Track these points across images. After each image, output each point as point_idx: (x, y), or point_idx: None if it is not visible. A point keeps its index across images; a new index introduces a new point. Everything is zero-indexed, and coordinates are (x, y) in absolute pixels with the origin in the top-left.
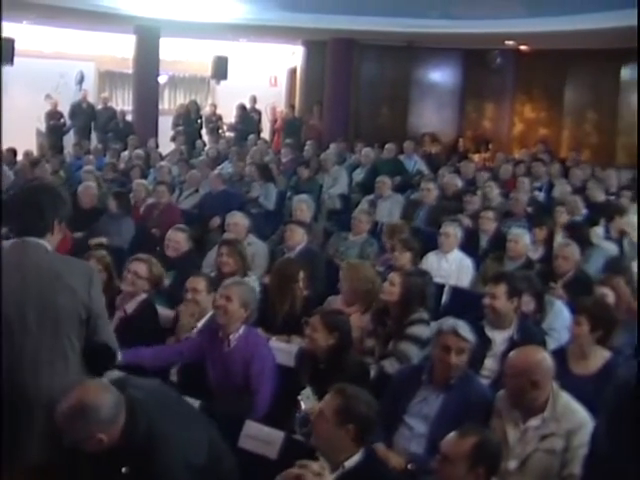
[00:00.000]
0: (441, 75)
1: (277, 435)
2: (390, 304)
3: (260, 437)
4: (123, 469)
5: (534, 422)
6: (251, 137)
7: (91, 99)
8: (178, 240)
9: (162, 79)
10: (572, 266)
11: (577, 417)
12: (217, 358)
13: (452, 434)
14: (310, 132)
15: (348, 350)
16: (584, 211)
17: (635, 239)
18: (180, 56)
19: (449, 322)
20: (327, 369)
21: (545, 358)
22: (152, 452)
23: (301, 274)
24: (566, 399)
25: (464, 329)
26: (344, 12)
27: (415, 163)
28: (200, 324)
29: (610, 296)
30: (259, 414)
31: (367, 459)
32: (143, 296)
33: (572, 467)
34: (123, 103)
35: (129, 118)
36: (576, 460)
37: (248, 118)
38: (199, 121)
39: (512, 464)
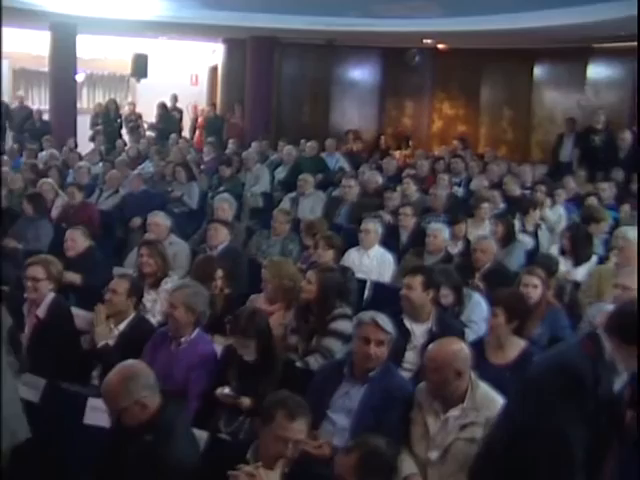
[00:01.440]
0: (361, 73)
1: (201, 435)
2: (309, 301)
3: None
4: (146, 437)
5: (454, 412)
6: (172, 136)
7: (6, 98)
8: (74, 239)
9: (80, 77)
10: (490, 259)
11: (495, 406)
12: (162, 357)
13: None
14: (232, 130)
15: (273, 348)
16: (502, 205)
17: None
18: (98, 54)
19: (369, 314)
20: (254, 367)
21: (463, 347)
22: (166, 442)
23: (219, 272)
24: (484, 389)
25: (383, 320)
26: (264, 10)
27: (337, 160)
28: (121, 327)
29: (539, 287)
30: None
31: None
32: (51, 296)
33: None
34: (40, 102)
35: (46, 117)
36: None
37: (169, 117)
38: (119, 120)
39: (434, 454)
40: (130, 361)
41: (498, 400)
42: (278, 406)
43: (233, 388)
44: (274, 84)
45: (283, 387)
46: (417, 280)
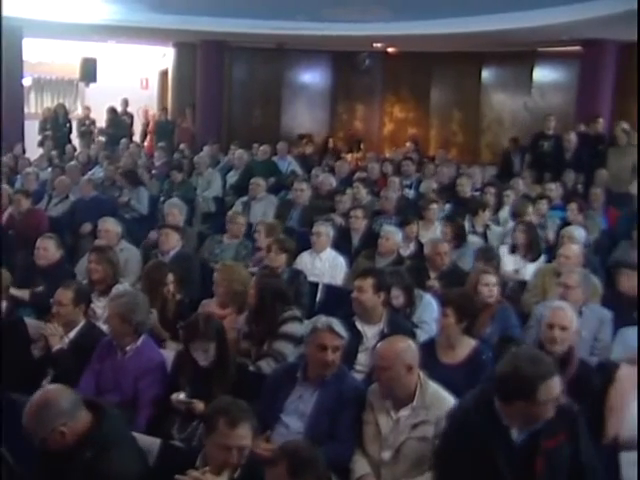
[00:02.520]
0: (312, 77)
1: (153, 442)
2: (254, 306)
3: None
4: (86, 454)
5: (405, 412)
6: (123, 141)
7: None
8: (47, 248)
9: (27, 82)
10: (445, 261)
11: (446, 404)
12: (109, 367)
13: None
14: (183, 135)
15: (227, 352)
16: (447, 206)
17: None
18: (46, 57)
19: (323, 320)
20: (207, 372)
21: (411, 344)
22: (108, 456)
23: (170, 277)
24: (434, 388)
25: (338, 326)
26: (214, 14)
27: (289, 164)
28: (72, 334)
29: (497, 286)
30: (142, 426)
31: None
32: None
33: None
34: None
35: None
36: None
37: (119, 121)
38: (68, 125)
39: (386, 454)
40: (47, 388)
41: (448, 399)
42: (220, 413)
43: (187, 394)
44: (225, 88)
45: (236, 392)
46: (368, 282)
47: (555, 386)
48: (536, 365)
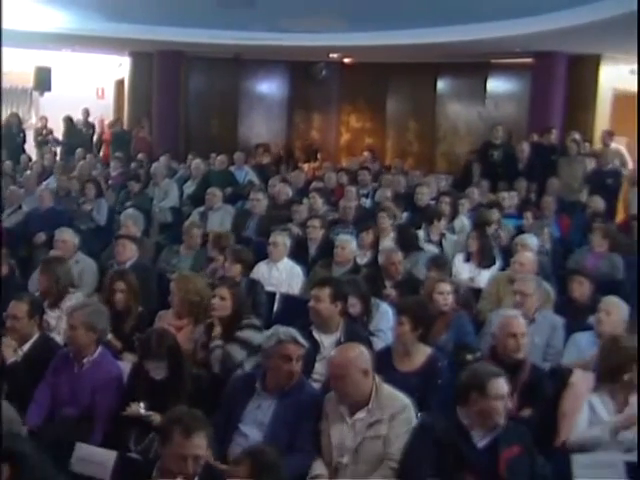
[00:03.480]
0: (269, 87)
1: (109, 455)
2: (222, 317)
3: (92, 459)
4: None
5: (361, 414)
6: (79, 151)
7: None
8: None
9: None
10: (399, 269)
11: (399, 402)
12: (65, 380)
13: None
14: (139, 145)
15: (182, 365)
16: (404, 215)
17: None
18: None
19: (285, 331)
20: (163, 384)
21: (363, 350)
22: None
23: (120, 285)
24: (388, 390)
25: (299, 336)
26: (170, 24)
27: (246, 174)
28: (26, 347)
29: (452, 294)
30: (98, 439)
31: None
32: None
33: (393, 447)
34: None
35: None
36: (397, 440)
37: (76, 131)
38: (22, 135)
39: (345, 458)
40: None
41: (402, 397)
42: (174, 423)
43: (144, 405)
44: (182, 98)
45: (193, 403)
46: (325, 292)
47: (502, 385)
48: (485, 367)
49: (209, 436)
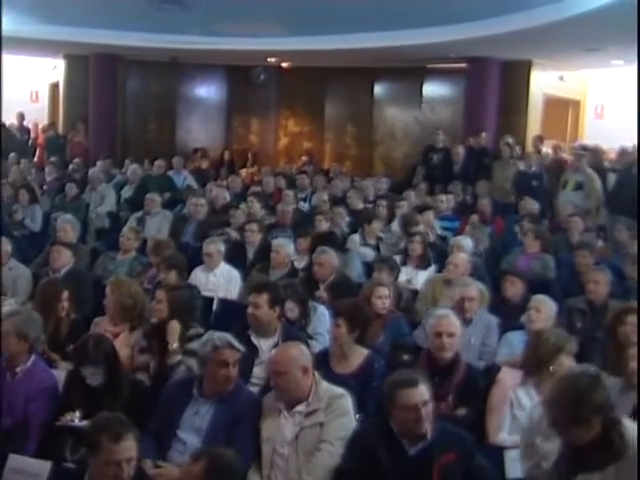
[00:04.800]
0: (207, 91)
1: (44, 466)
2: (162, 321)
3: (26, 470)
4: None
5: (300, 408)
6: (12, 156)
7: None
8: None
9: None
10: (331, 272)
11: (335, 391)
12: None
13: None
14: (75, 149)
15: (119, 371)
16: (347, 219)
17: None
18: None
19: (220, 336)
20: (100, 391)
21: (303, 349)
22: None
23: (65, 294)
24: (327, 385)
25: (234, 340)
26: (106, 27)
27: (184, 179)
28: None
29: (389, 298)
30: (32, 450)
31: None
32: None
33: (328, 432)
34: None
35: None
36: (332, 424)
37: (8, 136)
38: None
39: (285, 449)
40: None
41: (339, 389)
42: (101, 430)
43: (79, 414)
44: (118, 101)
45: (130, 410)
46: (263, 298)
47: (415, 395)
48: (402, 376)
49: (137, 437)
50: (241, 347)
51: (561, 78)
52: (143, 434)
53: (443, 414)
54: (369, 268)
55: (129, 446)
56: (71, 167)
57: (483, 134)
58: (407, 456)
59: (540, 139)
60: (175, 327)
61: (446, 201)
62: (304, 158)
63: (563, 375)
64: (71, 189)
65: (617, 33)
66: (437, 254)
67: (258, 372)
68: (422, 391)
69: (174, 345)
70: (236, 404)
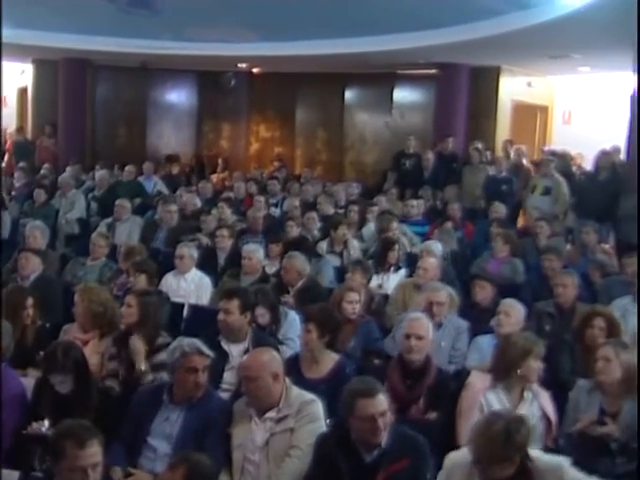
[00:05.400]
0: (177, 96)
1: (11, 476)
2: (133, 327)
3: None
4: None
5: (271, 414)
6: None
7: None
8: None
9: None
10: (299, 276)
11: (306, 396)
12: None
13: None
14: (44, 155)
15: (89, 379)
16: (318, 224)
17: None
18: None
19: (189, 342)
20: (69, 399)
21: (275, 354)
22: None
23: (30, 301)
24: (297, 390)
25: (203, 346)
26: (75, 31)
27: (155, 184)
28: None
29: (359, 303)
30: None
31: None
32: None
33: (297, 437)
34: None
35: None
36: (302, 430)
37: None
38: None
39: (256, 456)
40: None
41: (310, 395)
42: (65, 437)
43: (48, 422)
44: (88, 107)
45: (100, 416)
46: (234, 304)
47: (371, 406)
48: (362, 384)
49: (101, 442)
50: (210, 353)
51: (529, 84)
52: (113, 441)
53: (414, 418)
54: (341, 273)
55: (94, 452)
56: (41, 173)
57: (450, 139)
58: (363, 463)
59: (510, 143)
60: (139, 348)
61: (417, 206)
62: (276, 164)
63: (489, 416)
64: (40, 195)
65: (581, 41)
66: (408, 258)
67: (229, 378)
68: (380, 401)
69: (142, 367)
70: (206, 410)
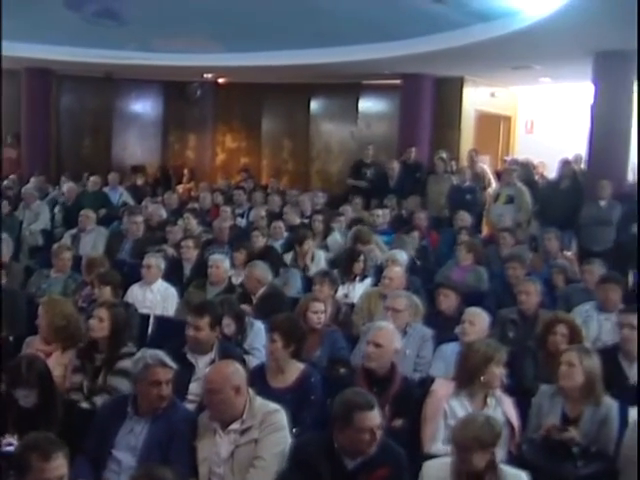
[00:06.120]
0: (143, 107)
1: None
2: (100, 340)
3: None
4: None
5: (234, 426)
6: None
7: None
8: None
9: None
10: (259, 285)
11: (270, 406)
12: None
13: None
14: (6, 165)
15: (53, 391)
16: (285, 234)
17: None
18: None
19: (152, 354)
20: (33, 413)
21: (238, 367)
22: None
23: None
24: (261, 401)
25: (166, 357)
26: (39, 41)
27: (121, 195)
28: None
29: (325, 312)
30: None
31: None
32: None
33: (261, 448)
34: None
35: None
36: (266, 440)
37: None
38: None
39: (221, 469)
40: None
41: (273, 404)
42: (30, 450)
43: (14, 439)
44: (52, 117)
45: (65, 430)
46: (205, 321)
47: (370, 418)
48: (357, 396)
49: (66, 455)
50: (174, 365)
51: (492, 94)
52: (78, 455)
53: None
54: (308, 284)
55: (59, 464)
56: (4, 184)
57: (413, 149)
58: (346, 470)
59: (476, 152)
60: None
61: (382, 215)
62: (243, 174)
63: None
64: (4, 206)
65: (542, 53)
66: (373, 268)
67: (194, 389)
68: (376, 414)
69: None
70: (171, 422)
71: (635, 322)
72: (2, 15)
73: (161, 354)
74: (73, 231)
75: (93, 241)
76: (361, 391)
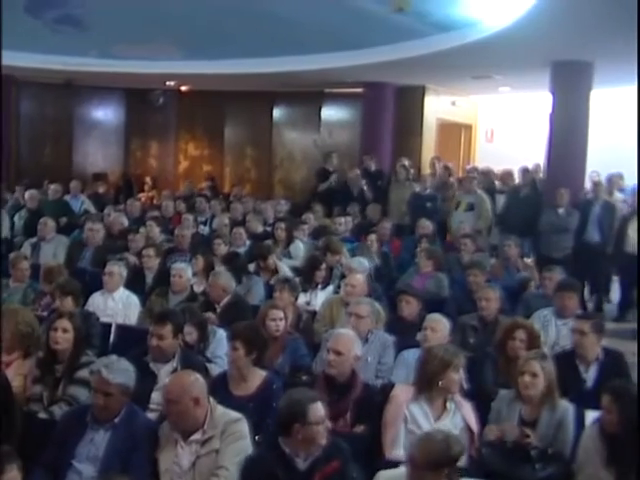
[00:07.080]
0: (104, 114)
1: None
2: (60, 350)
3: None
4: None
5: (196, 437)
6: None
7: None
8: None
9: None
10: (223, 293)
11: (230, 416)
12: None
13: None
14: None
15: (11, 403)
16: (247, 242)
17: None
18: None
19: (108, 363)
20: None
21: (198, 378)
22: None
23: None
24: (222, 410)
25: (110, 370)
26: None
27: (82, 203)
28: None
29: (284, 320)
30: None
31: None
32: None
33: (223, 458)
34: None
35: None
36: (227, 450)
37: None
38: None
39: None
40: None
41: (234, 413)
42: None
43: None
44: (11, 124)
45: (24, 442)
46: (167, 329)
47: (320, 409)
48: (302, 393)
49: (19, 466)
50: (112, 378)
51: (453, 103)
52: (37, 466)
53: (341, 431)
54: (272, 291)
55: (13, 477)
56: None
57: (371, 157)
58: (300, 472)
59: (438, 160)
60: None
61: (344, 223)
62: (207, 182)
63: (431, 431)
64: None
65: (501, 62)
66: (339, 277)
67: (156, 398)
68: (322, 405)
69: None
70: (131, 430)
71: (586, 328)
72: None
73: (116, 362)
74: (33, 240)
75: (54, 250)
76: (301, 389)
